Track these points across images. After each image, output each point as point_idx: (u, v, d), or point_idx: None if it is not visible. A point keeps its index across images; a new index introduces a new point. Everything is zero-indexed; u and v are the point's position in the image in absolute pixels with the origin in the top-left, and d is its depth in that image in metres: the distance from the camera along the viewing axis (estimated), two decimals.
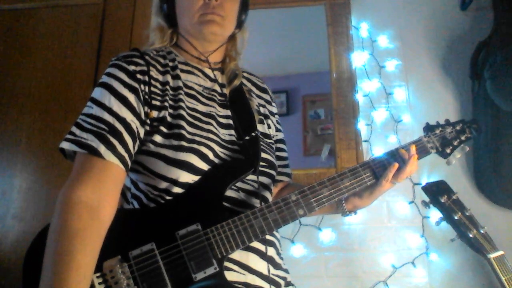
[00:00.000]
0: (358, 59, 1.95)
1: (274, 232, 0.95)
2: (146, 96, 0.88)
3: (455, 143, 1.05)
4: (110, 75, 0.89)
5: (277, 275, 0.92)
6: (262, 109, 1.09)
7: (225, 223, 0.81)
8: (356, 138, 1.86)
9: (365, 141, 1.85)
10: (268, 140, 1.04)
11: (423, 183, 1.61)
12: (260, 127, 1.02)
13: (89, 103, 0.88)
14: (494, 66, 1.62)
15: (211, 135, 0.90)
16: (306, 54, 2.85)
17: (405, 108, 1.88)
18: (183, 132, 0.87)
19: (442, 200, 1.16)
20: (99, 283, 0.75)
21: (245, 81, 1.10)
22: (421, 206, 1.48)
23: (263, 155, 0.96)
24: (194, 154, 0.86)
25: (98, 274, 0.75)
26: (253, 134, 0.97)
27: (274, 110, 1.15)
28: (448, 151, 1.05)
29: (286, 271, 0.98)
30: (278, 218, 0.84)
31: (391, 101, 1.89)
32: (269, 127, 1.07)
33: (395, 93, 1.90)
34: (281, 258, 0.97)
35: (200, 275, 0.77)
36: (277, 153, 1.09)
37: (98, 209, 0.77)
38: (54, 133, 1.98)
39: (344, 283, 1.70)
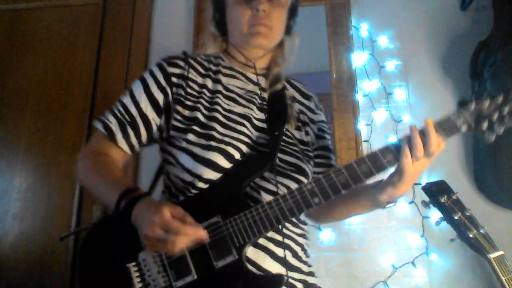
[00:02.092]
0: (358, 59, 1.95)
1: (294, 236, 0.96)
2: (180, 97, 0.98)
3: (495, 118, 0.87)
4: (151, 72, 1.01)
5: (292, 277, 0.92)
6: (301, 116, 1.09)
7: (242, 214, 0.85)
8: (356, 138, 1.86)
9: (365, 141, 1.85)
10: (303, 147, 1.04)
11: (423, 183, 1.61)
12: (297, 134, 1.04)
13: (127, 91, 1.01)
14: (494, 66, 1.62)
15: (241, 136, 0.95)
16: (306, 54, 2.85)
17: (405, 108, 1.88)
18: (214, 133, 0.93)
19: (442, 200, 1.16)
20: (135, 271, 0.86)
21: (288, 87, 1.12)
22: (421, 206, 1.48)
23: (287, 157, 0.97)
24: (220, 154, 0.91)
25: (134, 264, 0.86)
26: (276, 133, 0.97)
27: (317, 118, 1.13)
28: (485, 127, 0.87)
29: (309, 274, 0.99)
30: (293, 207, 0.85)
31: (391, 101, 1.89)
32: (306, 133, 1.07)
33: (395, 93, 1.90)
34: (302, 262, 0.97)
35: (220, 263, 0.83)
36: (318, 160, 1.08)
37: (102, 155, 0.98)
38: (54, 133, 1.98)
39: (344, 283, 1.70)
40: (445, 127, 0.87)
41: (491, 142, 0.87)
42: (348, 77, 1.94)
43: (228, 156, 0.91)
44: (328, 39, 2.00)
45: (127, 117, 0.98)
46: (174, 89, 0.99)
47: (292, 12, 1.07)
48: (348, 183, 0.85)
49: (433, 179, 1.66)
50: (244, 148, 0.94)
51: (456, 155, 1.80)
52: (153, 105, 0.98)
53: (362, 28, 1.98)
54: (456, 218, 1.13)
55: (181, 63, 1.02)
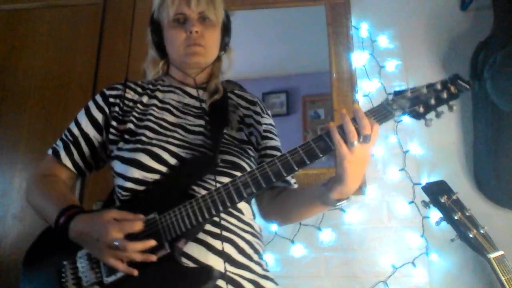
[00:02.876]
0: (358, 59, 1.95)
1: (238, 231, 0.94)
2: (116, 114, 1.05)
3: (432, 102, 0.86)
4: (93, 99, 1.11)
5: (236, 274, 0.90)
6: (246, 119, 1.12)
7: (176, 208, 0.87)
8: None
9: None
10: (244, 145, 1.05)
11: (423, 183, 1.61)
12: (238, 134, 1.07)
13: (73, 119, 1.11)
14: (494, 66, 1.62)
15: (172, 140, 0.98)
16: (306, 54, 2.85)
17: None
18: (142, 137, 0.98)
19: (442, 200, 1.16)
20: (70, 268, 0.91)
21: (232, 96, 1.16)
22: (421, 206, 1.48)
23: (225, 156, 0.98)
24: (145, 154, 0.94)
25: (69, 261, 0.91)
26: (218, 136, 1.01)
27: (264, 120, 1.16)
28: (421, 110, 0.86)
29: (263, 277, 0.95)
30: (225, 199, 0.86)
31: None
32: (250, 134, 1.10)
33: None
34: (254, 261, 0.95)
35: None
36: (265, 159, 1.07)
37: (49, 176, 1.05)
38: (54, 133, 1.96)
39: (344, 283, 1.70)
40: (378, 112, 0.88)
41: (429, 126, 0.87)
42: (348, 77, 1.94)
43: (155, 156, 0.94)
44: (328, 39, 2.00)
45: (70, 137, 1.07)
46: (111, 108, 1.06)
47: (226, 30, 1.14)
48: (281, 173, 0.85)
49: (433, 179, 1.66)
50: (177, 150, 0.96)
51: (456, 155, 1.80)
52: (93, 124, 1.06)
53: (362, 28, 1.98)
54: (456, 218, 1.13)
55: (119, 86, 1.10)
